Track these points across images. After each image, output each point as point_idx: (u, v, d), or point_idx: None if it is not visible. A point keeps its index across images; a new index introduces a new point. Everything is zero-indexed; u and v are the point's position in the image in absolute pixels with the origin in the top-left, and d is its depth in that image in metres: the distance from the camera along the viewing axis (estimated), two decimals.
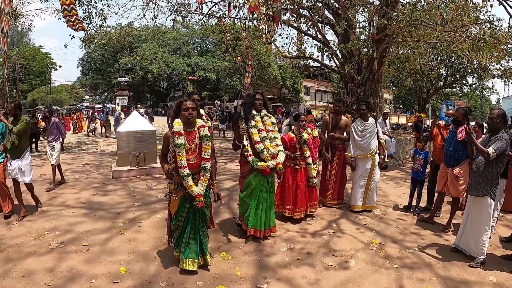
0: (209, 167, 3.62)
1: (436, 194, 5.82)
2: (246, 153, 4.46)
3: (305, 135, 5.15)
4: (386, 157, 6.19)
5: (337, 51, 12.34)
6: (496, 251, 4.54)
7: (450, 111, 6.25)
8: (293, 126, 5.27)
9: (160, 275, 3.64)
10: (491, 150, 3.91)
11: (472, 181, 4.26)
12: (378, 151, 5.84)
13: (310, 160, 5.21)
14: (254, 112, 4.57)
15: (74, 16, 8.34)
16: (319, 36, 12.56)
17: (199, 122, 3.68)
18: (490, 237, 4.26)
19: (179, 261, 3.74)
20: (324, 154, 5.84)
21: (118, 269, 3.71)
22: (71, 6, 8.13)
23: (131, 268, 3.76)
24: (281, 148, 4.64)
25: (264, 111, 4.68)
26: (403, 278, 3.76)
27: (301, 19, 12.65)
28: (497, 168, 4.04)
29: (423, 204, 6.26)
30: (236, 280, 3.60)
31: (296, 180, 5.17)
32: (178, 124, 3.52)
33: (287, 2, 11.87)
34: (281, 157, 4.54)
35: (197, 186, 3.53)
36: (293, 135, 5.21)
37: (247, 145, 4.45)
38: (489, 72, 20.57)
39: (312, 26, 12.71)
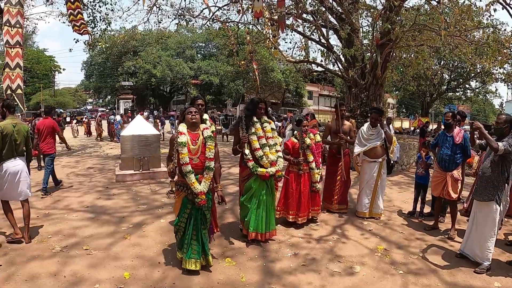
0: (213, 167, 3.72)
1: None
2: (245, 157, 4.51)
3: (307, 140, 5.15)
4: (395, 156, 6.16)
5: (341, 56, 12.34)
6: (501, 256, 4.50)
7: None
8: (295, 131, 5.25)
9: (164, 280, 3.62)
10: (500, 144, 3.88)
11: (478, 186, 4.24)
12: (385, 157, 5.80)
13: (313, 165, 5.19)
14: (254, 118, 4.61)
15: (80, 21, 8.39)
16: (323, 40, 12.57)
17: (202, 125, 3.85)
18: None
19: (181, 263, 3.78)
20: (340, 138, 5.82)
21: (122, 274, 3.70)
22: (77, 10, 8.17)
23: (135, 273, 3.75)
24: (280, 154, 4.71)
25: (264, 117, 4.72)
26: (409, 284, 3.73)
27: (305, 23, 12.68)
28: (503, 173, 4.01)
29: (427, 209, 6.22)
30: (241, 286, 3.58)
31: (300, 186, 5.15)
32: (182, 126, 3.74)
33: (291, 6, 11.91)
34: (280, 164, 4.62)
35: (200, 185, 3.61)
36: (295, 140, 5.20)
37: (248, 154, 4.50)
38: (492, 76, 20.54)
39: (315, 31, 12.73)
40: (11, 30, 7.79)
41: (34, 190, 6.85)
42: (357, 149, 5.83)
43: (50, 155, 7.23)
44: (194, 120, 3.71)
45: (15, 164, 4.47)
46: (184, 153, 3.57)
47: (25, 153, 4.73)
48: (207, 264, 3.84)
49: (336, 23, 12.14)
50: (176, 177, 3.81)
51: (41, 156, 9.39)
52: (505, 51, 10.34)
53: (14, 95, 7.90)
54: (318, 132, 5.68)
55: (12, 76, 7.85)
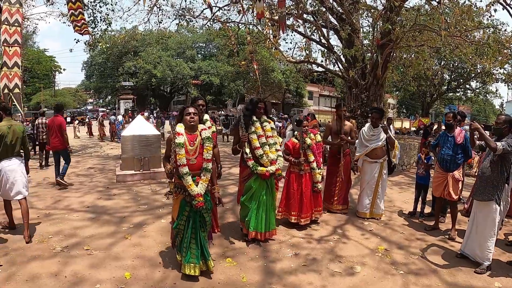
0: (210, 168, 3.66)
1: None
2: (245, 156, 4.53)
3: (308, 140, 5.15)
4: (397, 159, 6.17)
5: (341, 56, 12.34)
6: (502, 256, 4.50)
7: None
8: (296, 132, 5.25)
9: (165, 280, 3.62)
10: (499, 144, 3.88)
11: (477, 186, 4.25)
12: (386, 157, 5.81)
13: (314, 165, 5.18)
14: (254, 118, 4.62)
15: (82, 21, 8.38)
16: (323, 41, 12.57)
17: (200, 126, 3.76)
18: None
19: (180, 266, 3.74)
20: (341, 138, 5.81)
21: (123, 274, 3.70)
22: (79, 10, 8.16)
23: (136, 273, 3.75)
24: (280, 153, 4.73)
25: (264, 117, 4.73)
26: (409, 284, 3.73)
27: (305, 24, 12.67)
28: (502, 173, 4.02)
29: (427, 210, 6.22)
30: (242, 286, 3.58)
31: (301, 186, 5.14)
32: (180, 127, 3.65)
33: (292, 7, 11.91)
34: (280, 163, 4.62)
35: (197, 186, 3.56)
36: (296, 140, 5.20)
37: (248, 153, 4.52)
38: (493, 76, 20.56)
39: (316, 31, 12.72)
40: (10, 29, 7.77)
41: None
42: (359, 153, 5.84)
43: (63, 151, 7.59)
44: (192, 123, 3.61)
45: (10, 164, 4.59)
46: (182, 154, 3.49)
47: (22, 153, 4.82)
48: (207, 270, 3.74)
49: (336, 23, 12.13)
50: (174, 178, 3.76)
51: (45, 154, 9.57)
52: (505, 51, 10.36)
53: (11, 94, 7.87)
54: (319, 132, 5.68)
55: (10, 75, 7.82)
